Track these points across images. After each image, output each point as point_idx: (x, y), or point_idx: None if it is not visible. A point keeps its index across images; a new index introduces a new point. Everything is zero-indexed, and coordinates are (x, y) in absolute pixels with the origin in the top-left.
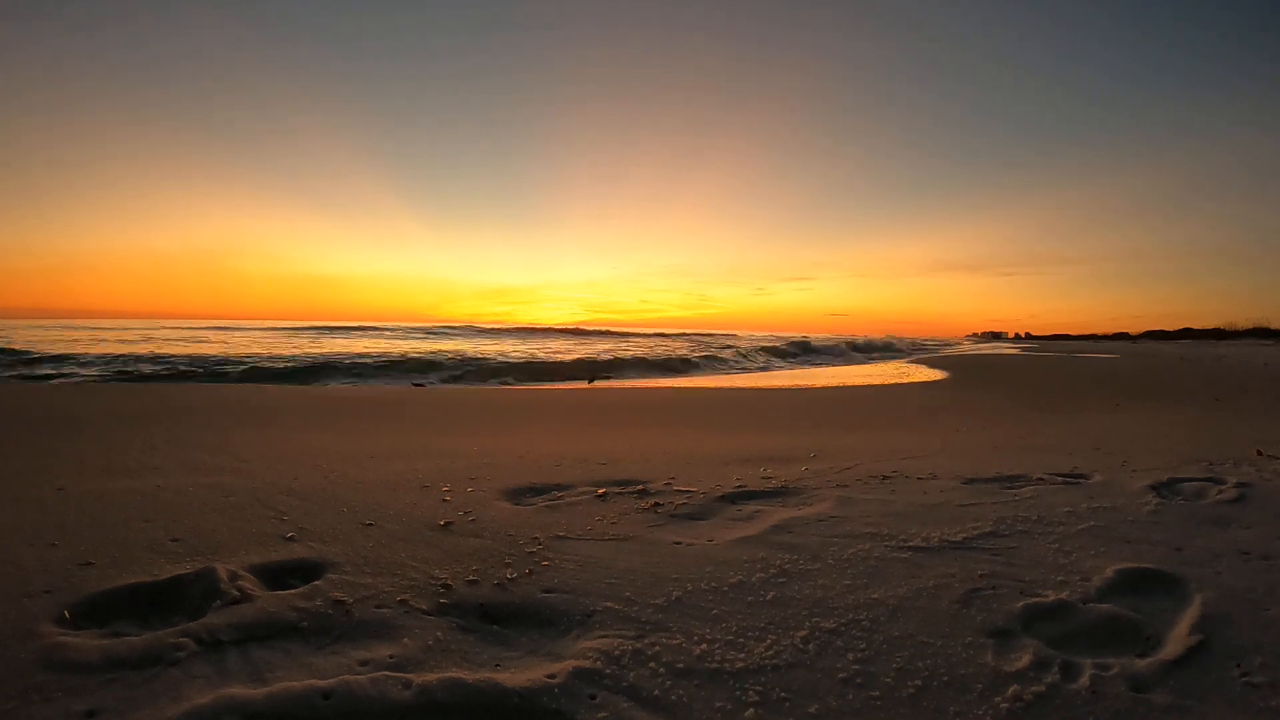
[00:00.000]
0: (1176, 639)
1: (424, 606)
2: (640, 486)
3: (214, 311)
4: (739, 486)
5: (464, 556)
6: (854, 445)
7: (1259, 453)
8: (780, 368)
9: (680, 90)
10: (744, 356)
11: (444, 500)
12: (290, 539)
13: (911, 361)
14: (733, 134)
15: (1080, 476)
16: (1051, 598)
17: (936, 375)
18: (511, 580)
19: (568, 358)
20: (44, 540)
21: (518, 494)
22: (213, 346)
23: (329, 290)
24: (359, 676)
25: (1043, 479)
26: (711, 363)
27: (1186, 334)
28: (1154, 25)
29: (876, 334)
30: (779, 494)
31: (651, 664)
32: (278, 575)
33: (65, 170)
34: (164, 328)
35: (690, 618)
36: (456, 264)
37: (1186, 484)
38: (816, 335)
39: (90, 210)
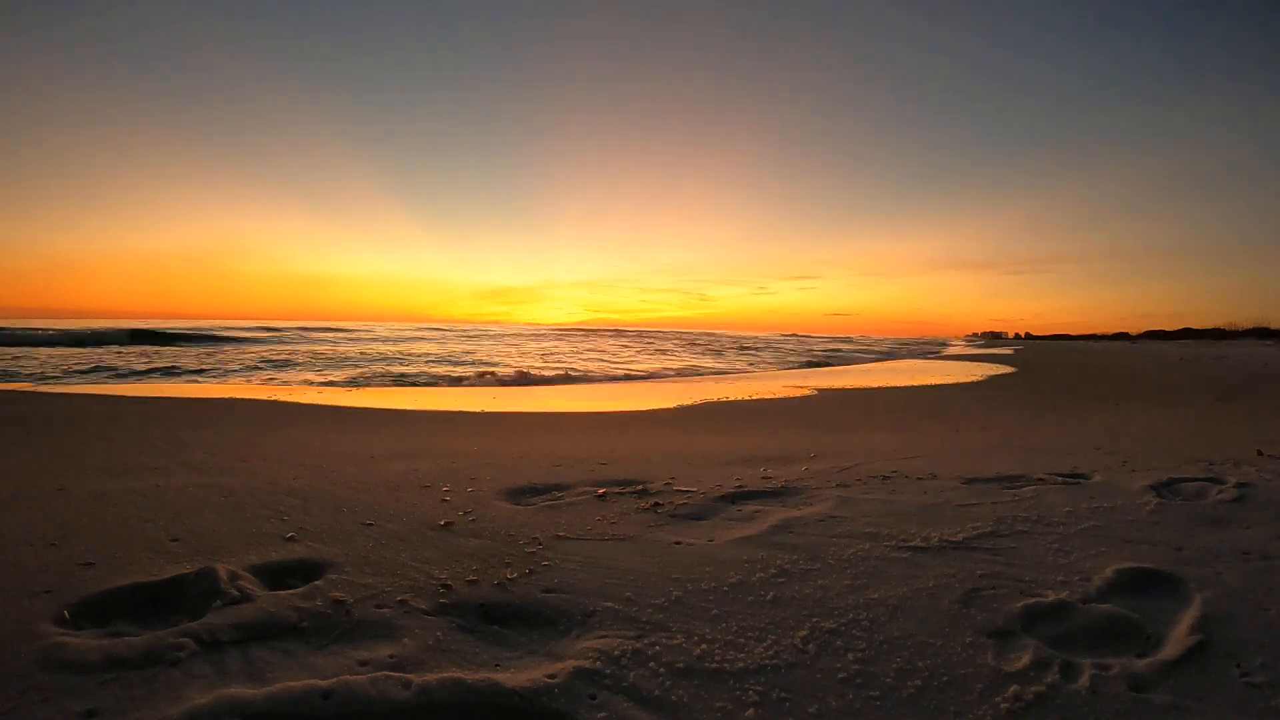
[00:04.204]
0: (1176, 639)
1: (424, 606)
2: (640, 486)
3: (214, 312)
4: (739, 486)
5: (464, 556)
6: (854, 445)
7: (1259, 453)
8: None
9: (680, 85)
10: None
11: (444, 500)
12: (290, 539)
13: None
14: (734, 130)
15: (1080, 476)
16: (1051, 598)
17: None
18: (511, 580)
19: None
20: (44, 540)
21: (518, 494)
22: None
23: (329, 291)
24: (359, 676)
25: (1043, 479)
26: None
27: (1187, 334)
28: (1161, 20)
29: (876, 335)
30: (779, 494)
31: (651, 664)
32: (278, 575)
33: (67, 171)
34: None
35: (690, 618)
36: (455, 264)
37: (1186, 484)
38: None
39: (92, 212)
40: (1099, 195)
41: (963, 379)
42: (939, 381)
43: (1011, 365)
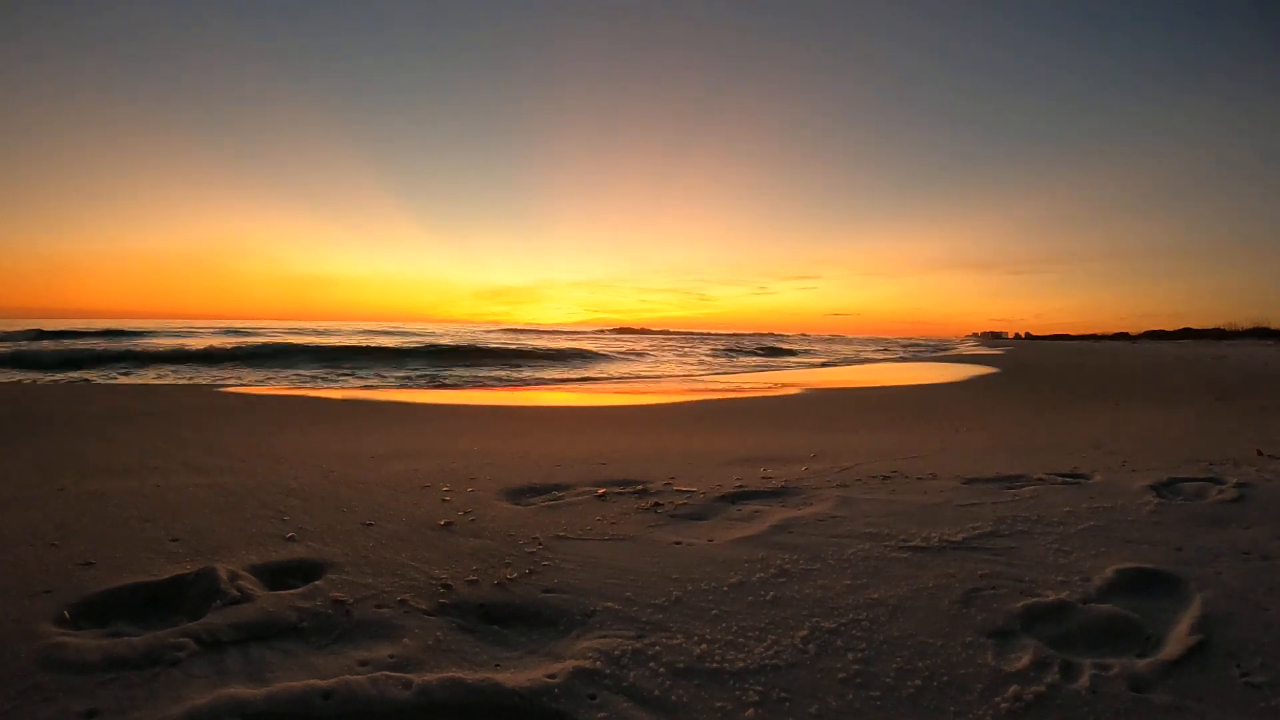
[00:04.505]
0: (1176, 639)
1: (424, 606)
2: (640, 486)
3: (215, 312)
4: (739, 486)
5: (464, 556)
6: (854, 445)
7: (1259, 453)
8: None
9: (680, 85)
10: None
11: (444, 500)
12: (290, 539)
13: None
14: (734, 130)
15: (1080, 476)
16: (1051, 598)
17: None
18: (511, 580)
19: None
20: (44, 540)
21: (518, 494)
22: None
23: (329, 291)
24: (359, 676)
25: (1043, 479)
26: None
27: (1187, 334)
28: (1161, 20)
29: (877, 335)
30: (779, 494)
31: (651, 664)
32: (278, 575)
33: (67, 171)
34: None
35: (690, 618)
36: (455, 264)
37: (1186, 484)
38: None
39: (92, 211)
40: (1099, 195)
41: (959, 378)
42: (938, 381)
43: (996, 366)
